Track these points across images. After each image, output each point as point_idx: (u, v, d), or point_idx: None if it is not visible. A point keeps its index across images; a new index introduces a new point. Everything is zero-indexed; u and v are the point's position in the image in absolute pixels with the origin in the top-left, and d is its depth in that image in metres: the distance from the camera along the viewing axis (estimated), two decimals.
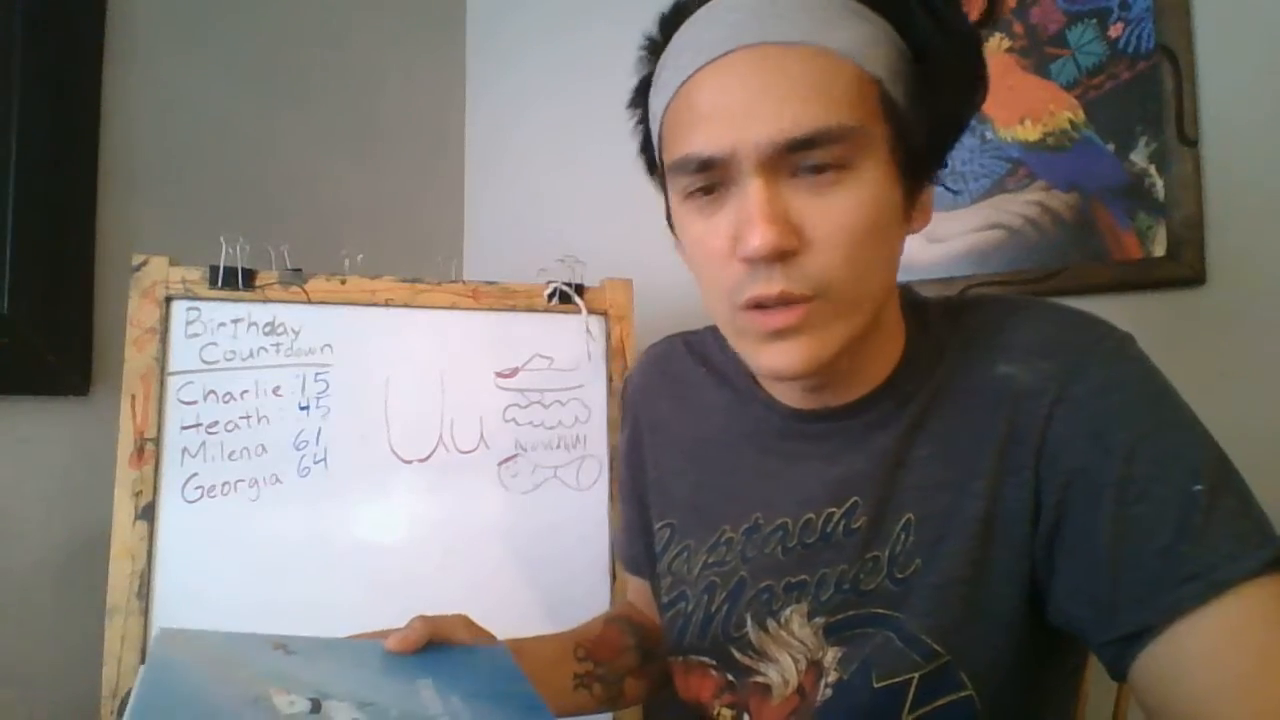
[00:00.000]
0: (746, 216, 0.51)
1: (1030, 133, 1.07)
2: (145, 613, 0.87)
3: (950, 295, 0.65)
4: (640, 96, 0.63)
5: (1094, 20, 1.04)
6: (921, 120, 0.54)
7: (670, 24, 0.57)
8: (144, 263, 0.93)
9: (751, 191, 0.51)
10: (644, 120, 0.63)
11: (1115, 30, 1.03)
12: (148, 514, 0.89)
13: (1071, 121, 1.05)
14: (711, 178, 0.53)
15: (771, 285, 0.51)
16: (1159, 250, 0.99)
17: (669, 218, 0.61)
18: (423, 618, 0.59)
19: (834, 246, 0.51)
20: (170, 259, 0.94)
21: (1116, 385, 0.52)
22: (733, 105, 0.51)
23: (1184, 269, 0.97)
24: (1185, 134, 0.98)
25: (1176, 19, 0.99)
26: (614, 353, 1.08)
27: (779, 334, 0.53)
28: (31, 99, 0.95)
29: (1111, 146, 1.02)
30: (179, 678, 0.49)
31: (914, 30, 0.53)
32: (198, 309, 0.94)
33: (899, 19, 0.53)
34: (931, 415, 0.58)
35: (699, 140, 0.52)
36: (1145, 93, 1.00)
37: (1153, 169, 1.00)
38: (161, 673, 0.49)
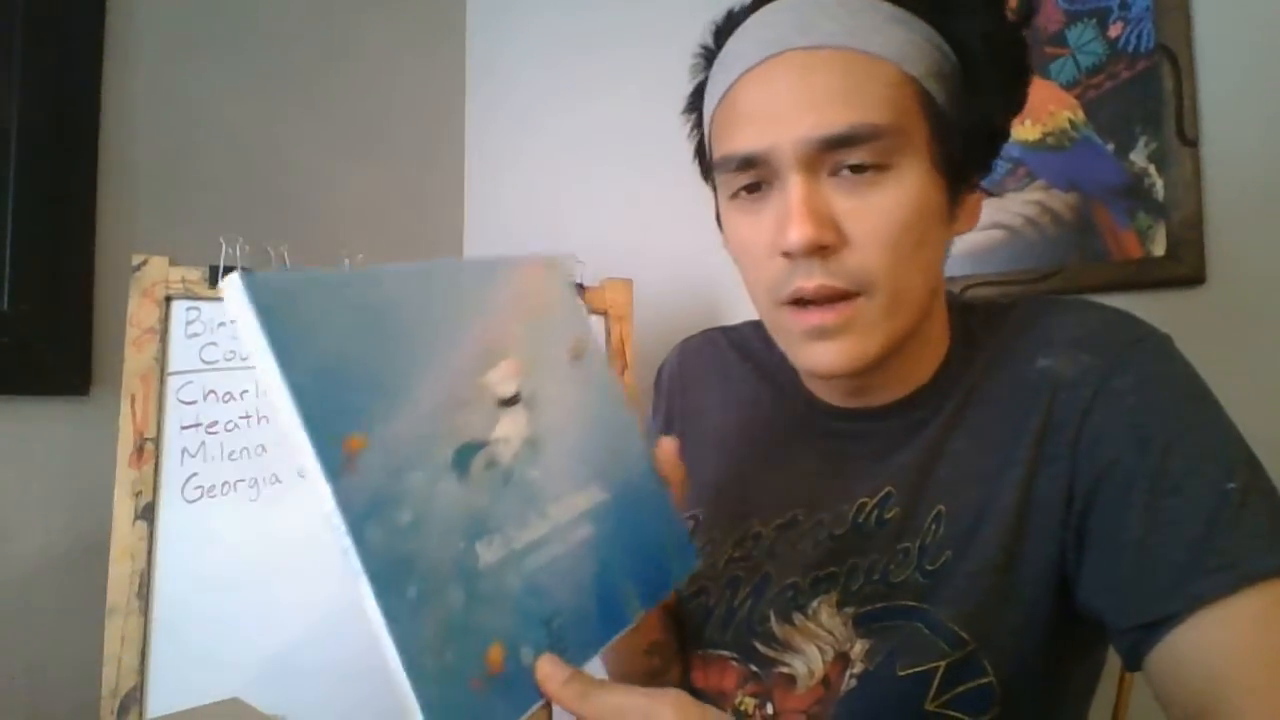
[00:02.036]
0: (786, 212, 0.53)
1: (1030, 132, 1.07)
2: (145, 613, 0.87)
3: (994, 297, 0.65)
4: (695, 102, 0.65)
5: (1093, 20, 1.04)
6: (964, 121, 0.55)
7: (722, 33, 0.60)
8: (144, 263, 0.93)
9: (791, 188, 0.53)
10: (698, 125, 0.66)
11: (1115, 30, 1.03)
12: (148, 514, 0.89)
13: (1071, 121, 1.05)
14: (754, 175, 0.55)
15: (811, 278, 0.53)
16: (1159, 250, 0.99)
17: (719, 220, 0.64)
18: (678, 447, 0.54)
19: (873, 243, 0.52)
20: (170, 259, 0.94)
21: (1157, 382, 0.53)
22: (773, 106, 0.53)
23: (1183, 269, 0.97)
24: (1185, 134, 0.98)
25: (1176, 19, 0.99)
26: (614, 353, 1.08)
27: (821, 333, 0.54)
28: (31, 99, 0.95)
29: (1111, 146, 1.02)
30: (457, 288, 0.43)
31: (954, 32, 0.54)
32: (197, 309, 0.94)
33: (939, 21, 0.54)
34: (969, 408, 0.59)
35: (741, 139, 0.54)
36: (1145, 92, 1.00)
37: (1152, 169, 1.00)
38: (455, 271, 0.44)
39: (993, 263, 1.09)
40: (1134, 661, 0.51)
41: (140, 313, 0.92)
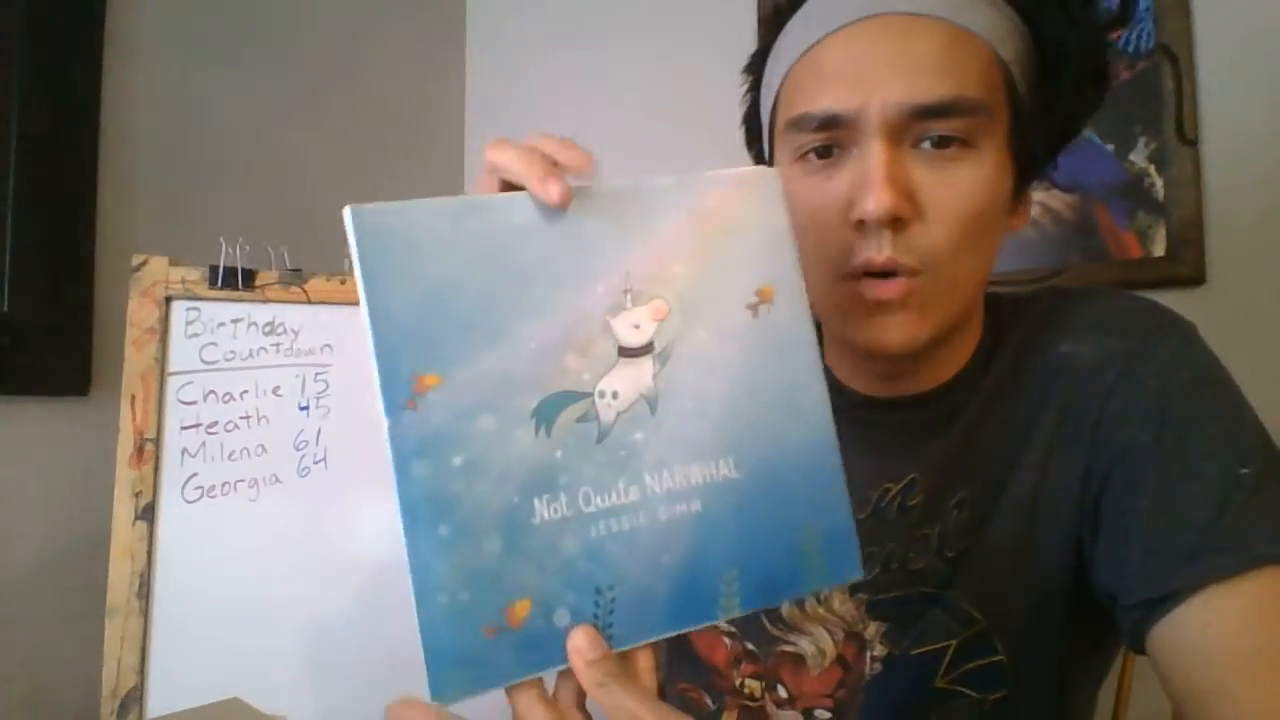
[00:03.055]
0: (865, 179, 0.51)
1: None
2: (145, 613, 0.87)
3: (1013, 290, 0.65)
4: (756, 64, 0.63)
5: None
6: (1043, 115, 0.55)
7: None
8: (144, 263, 0.93)
9: (873, 154, 0.50)
10: (754, 89, 0.64)
11: (1115, 30, 1.03)
12: (148, 514, 0.89)
13: None
14: (830, 138, 0.53)
15: (881, 251, 0.51)
16: (1159, 250, 0.99)
17: None
18: None
19: (946, 221, 0.51)
20: (170, 259, 0.94)
21: (1180, 368, 0.53)
22: (864, 67, 0.51)
23: (1184, 269, 0.97)
24: (1185, 134, 0.98)
25: (1176, 19, 0.99)
26: None
27: (882, 307, 0.53)
28: (31, 99, 0.95)
29: (1111, 146, 1.02)
30: (613, 216, 0.39)
31: (1043, 23, 0.53)
32: (197, 309, 0.94)
33: (1029, 10, 0.54)
34: (997, 398, 0.59)
35: (825, 98, 0.52)
36: (1145, 93, 1.00)
37: (1152, 169, 1.00)
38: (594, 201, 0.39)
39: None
40: (1138, 639, 0.51)
41: (140, 313, 0.92)
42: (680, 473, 0.39)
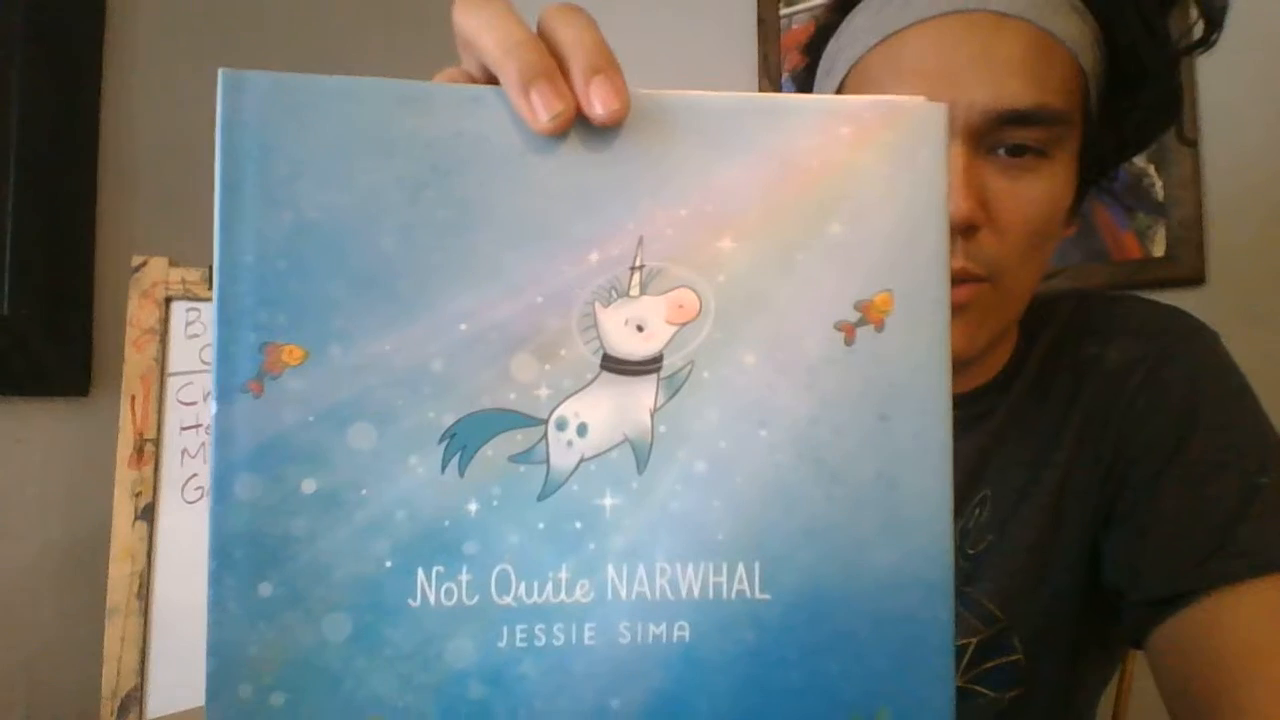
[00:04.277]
0: None
1: None
2: (145, 613, 0.87)
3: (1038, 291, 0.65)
4: (815, 46, 0.61)
5: None
6: (1110, 129, 0.54)
7: None
8: (143, 263, 0.93)
9: (953, 157, 0.48)
10: (809, 71, 0.62)
11: None
12: (148, 514, 0.89)
13: None
14: None
15: (953, 257, 0.50)
16: (1158, 250, 0.99)
17: None
18: None
19: (1015, 231, 0.50)
20: (170, 260, 0.94)
21: (1204, 375, 0.54)
22: (949, 66, 0.49)
23: (1183, 269, 0.97)
24: (1185, 134, 0.98)
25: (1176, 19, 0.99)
26: None
27: None
28: (31, 99, 0.95)
29: None
30: (644, 139, 0.25)
31: (1123, 35, 0.52)
32: (197, 310, 0.94)
33: (1111, 20, 0.52)
34: (1025, 400, 0.59)
35: (903, 92, 0.51)
36: None
37: (1152, 169, 1.00)
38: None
39: None
40: (1139, 636, 0.51)
41: (140, 313, 0.92)
42: (666, 573, 0.25)
